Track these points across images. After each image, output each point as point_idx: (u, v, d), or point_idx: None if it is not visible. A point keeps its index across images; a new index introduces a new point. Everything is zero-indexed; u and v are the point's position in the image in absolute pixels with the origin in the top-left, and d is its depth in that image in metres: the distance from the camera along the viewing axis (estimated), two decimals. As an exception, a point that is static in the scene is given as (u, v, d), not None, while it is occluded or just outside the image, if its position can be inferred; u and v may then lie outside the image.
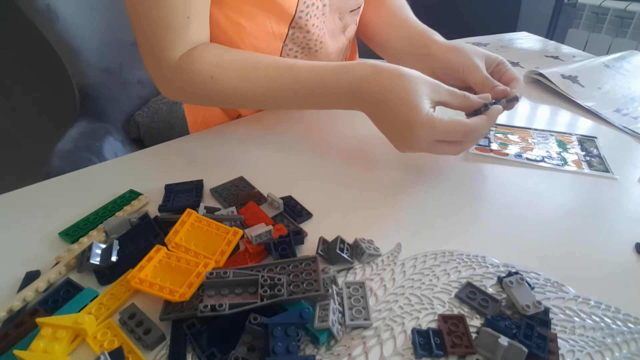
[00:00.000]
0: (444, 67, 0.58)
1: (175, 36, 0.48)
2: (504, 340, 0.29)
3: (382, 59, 0.71)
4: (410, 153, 0.49)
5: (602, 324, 0.34)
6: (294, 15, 0.55)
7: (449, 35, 0.59)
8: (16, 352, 0.29)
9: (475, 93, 0.51)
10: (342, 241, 0.38)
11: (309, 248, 0.41)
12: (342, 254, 0.37)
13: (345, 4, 0.61)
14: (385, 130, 0.49)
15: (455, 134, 0.44)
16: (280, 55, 0.60)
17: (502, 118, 0.65)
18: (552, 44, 1.03)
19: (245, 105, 0.59)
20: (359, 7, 0.66)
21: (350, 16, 0.65)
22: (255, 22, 0.55)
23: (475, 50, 0.57)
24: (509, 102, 0.50)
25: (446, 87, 0.47)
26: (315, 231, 0.41)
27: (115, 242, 0.39)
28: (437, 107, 0.46)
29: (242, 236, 0.39)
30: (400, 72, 0.46)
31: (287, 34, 0.57)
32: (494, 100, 0.48)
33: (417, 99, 0.44)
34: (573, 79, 0.75)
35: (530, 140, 0.59)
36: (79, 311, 0.34)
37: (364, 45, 0.77)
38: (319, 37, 0.60)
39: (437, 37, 0.62)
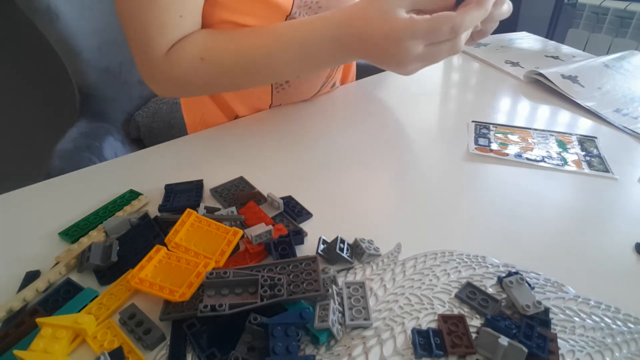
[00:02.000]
0: None
1: (167, 35, 0.48)
2: (504, 340, 0.29)
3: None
4: (418, 69, 0.46)
5: (602, 324, 0.34)
6: (290, 12, 0.55)
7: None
8: (16, 352, 0.29)
9: None
10: (342, 241, 0.38)
11: (309, 248, 0.41)
12: (342, 254, 0.37)
13: (340, 4, 0.61)
14: (381, 61, 0.47)
15: (439, 31, 0.41)
16: None
17: (502, 118, 0.65)
18: (552, 44, 1.03)
19: (241, 83, 0.57)
20: None
21: None
22: (251, 21, 0.55)
23: None
24: None
25: None
26: (315, 231, 0.42)
27: (115, 242, 0.39)
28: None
29: (242, 236, 0.39)
30: None
31: None
32: None
33: (391, 15, 0.42)
34: (573, 79, 0.75)
35: (530, 140, 0.59)
36: (79, 311, 0.34)
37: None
38: None
39: None
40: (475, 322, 0.33)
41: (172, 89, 0.55)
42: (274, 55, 0.50)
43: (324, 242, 0.39)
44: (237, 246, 0.40)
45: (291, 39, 0.49)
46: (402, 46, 0.42)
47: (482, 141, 0.58)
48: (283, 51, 0.50)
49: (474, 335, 0.32)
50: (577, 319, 0.34)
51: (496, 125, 0.63)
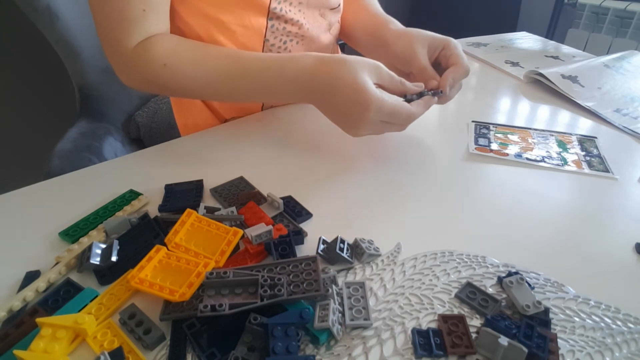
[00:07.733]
0: (395, 57, 0.60)
1: (130, 27, 0.49)
2: (504, 340, 0.29)
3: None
4: (364, 135, 0.51)
5: (602, 324, 0.34)
6: (269, 6, 0.56)
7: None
8: (16, 352, 0.29)
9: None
10: (342, 241, 0.38)
11: (309, 248, 0.41)
12: (342, 254, 0.37)
13: (321, 1, 0.61)
14: (335, 118, 0.51)
15: (398, 116, 0.48)
16: (262, 52, 0.60)
17: (502, 118, 0.65)
18: (552, 44, 1.03)
19: (199, 95, 0.59)
20: (339, 5, 0.66)
21: (332, 14, 0.65)
22: (234, 16, 0.55)
23: (420, 36, 0.58)
24: (434, 94, 0.53)
25: (386, 70, 0.49)
26: (315, 231, 0.41)
27: (115, 242, 0.39)
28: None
29: (242, 236, 0.39)
30: (342, 59, 0.48)
31: (267, 26, 0.58)
32: (429, 91, 0.53)
33: (363, 82, 0.46)
34: (573, 79, 0.75)
35: (530, 140, 0.59)
36: (79, 311, 0.34)
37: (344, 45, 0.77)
38: (300, 30, 0.61)
39: (393, 25, 0.63)
40: (475, 322, 0.33)
41: (135, 83, 0.55)
42: (234, 82, 0.52)
43: (324, 242, 0.39)
44: (237, 246, 0.40)
45: (254, 68, 0.51)
46: (366, 115, 0.47)
47: (482, 141, 0.58)
48: (243, 80, 0.52)
49: (474, 335, 0.32)
50: (577, 319, 0.34)
51: (496, 125, 0.63)
